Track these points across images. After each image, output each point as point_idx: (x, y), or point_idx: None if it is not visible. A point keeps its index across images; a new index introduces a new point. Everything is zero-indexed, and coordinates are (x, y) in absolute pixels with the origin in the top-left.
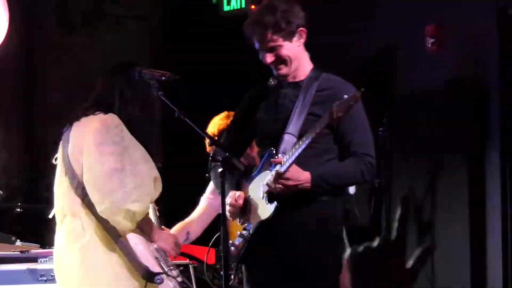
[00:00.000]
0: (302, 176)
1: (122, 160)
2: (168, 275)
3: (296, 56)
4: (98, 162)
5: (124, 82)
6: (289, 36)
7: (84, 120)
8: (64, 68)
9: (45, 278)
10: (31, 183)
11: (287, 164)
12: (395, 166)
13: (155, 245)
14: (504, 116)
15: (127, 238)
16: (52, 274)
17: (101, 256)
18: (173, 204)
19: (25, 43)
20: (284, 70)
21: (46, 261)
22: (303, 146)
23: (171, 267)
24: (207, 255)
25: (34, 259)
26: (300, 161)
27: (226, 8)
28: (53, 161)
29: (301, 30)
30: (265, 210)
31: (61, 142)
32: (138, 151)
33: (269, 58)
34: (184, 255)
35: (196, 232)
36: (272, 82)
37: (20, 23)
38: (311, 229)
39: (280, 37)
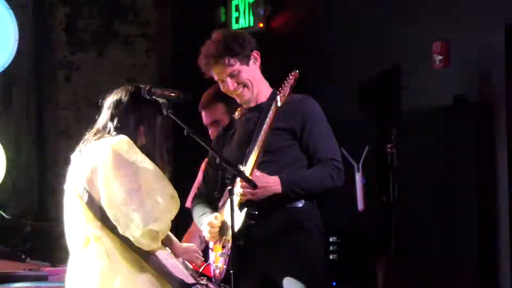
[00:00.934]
0: (270, 179)
1: (137, 180)
2: (201, 285)
3: (255, 79)
4: (114, 185)
5: (130, 105)
6: (245, 60)
7: (94, 143)
8: (73, 86)
9: None
10: (41, 201)
11: (249, 166)
12: (402, 182)
13: (180, 259)
14: (510, 132)
15: (156, 254)
16: None
17: (130, 279)
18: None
19: (34, 62)
20: (247, 95)
21: (56, 279)
22: (259, 139)
23: (197, 276)
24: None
25: (44, 277)
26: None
27: (234, 26)
28: (65, 186)
29: (255, 52)
30: (238, 218)
31: (70, 167)
32: (151, 170)
33: (231, 83)
34: None
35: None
36: (236, 114)
37: (29, 41)
38: (287, 231)
39: (237, 60)
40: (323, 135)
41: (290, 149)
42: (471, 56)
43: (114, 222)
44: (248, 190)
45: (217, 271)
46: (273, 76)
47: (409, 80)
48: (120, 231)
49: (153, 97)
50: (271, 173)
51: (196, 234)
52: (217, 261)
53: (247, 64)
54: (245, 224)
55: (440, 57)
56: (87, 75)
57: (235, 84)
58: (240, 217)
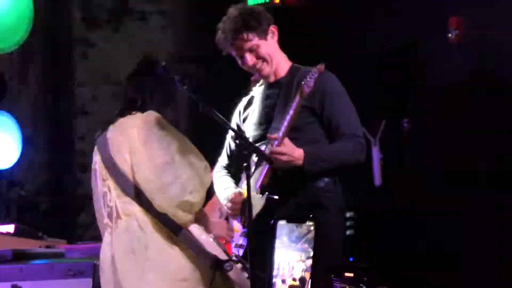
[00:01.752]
0: (296, 152)
1: (170, 153)
2: (235, 261)
3: (274, 53)
4: (148, 159)
5: (152, 81)
6: (263, 34)
7: (122, 120)
8: (90, 63)
9: (72, 273)
10: (57, 179)
11: (280, 134)
12: (418, 155)
13: (211, 235)
14: None
15: (189, 230)
16: (79, 269)
17: (163, 252)
18: None
19: (50, 39)
20: (266, 69)
21: (73, 256)
22: (288, 118)
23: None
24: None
25: (61, 254)
26: None
27: (250, 2)
28: (92, 165)
29: (273, 27)
30: (258, 203)
31: (96, 149)
32: (183, 142)
33: (250, 58)
34: None
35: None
36: (255, 88)
37: (45, 19)
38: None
39: (255, 35)
40: (344, 111)
41: (311, 126)
42: (487, 30)
43: (149, 197)
44: (277, 155)
45: (241, 250)
46: (290, 51)
47: (426, 55)
48: (156, 205)
49: (169, 73)
50: None
51: (216, 206)
52: (238, 239)
53: (265, 39)
54: (265, 209)
55: (456, 32)
56: (103, 52)
57: (254, 59)
58: (260, 201)
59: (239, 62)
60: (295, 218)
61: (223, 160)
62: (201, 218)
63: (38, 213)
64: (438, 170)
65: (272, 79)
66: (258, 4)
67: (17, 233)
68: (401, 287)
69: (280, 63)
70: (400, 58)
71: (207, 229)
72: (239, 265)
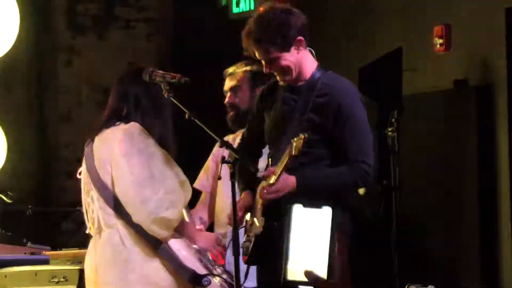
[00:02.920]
0: (290, 182)
1: (150, 167)
2: (214, 275)
3: (297, 63)
4: (127, 173)
5: (138, 89)
6: (286, 48)
7: (106, 132)
8: (74, 70)
9: (56, 280)
10: (42, 186)
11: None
12: (403, 166)
13: (195, 246)
14: (511, 116)
15: (169, 244)
16: (64, 276)
17: (142, 266)
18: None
19: (35, 46)
20: (287, 78)
21: (58, 263)
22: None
23: (214, 266)
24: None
25: (45, 261)
26: (296, 169)
27: (235, 10)
28: (78, 175)
29: (299, 39)
30: (259, 222)
31: (84, 157)
32: (163, 156)
33: (268, 68)
34: None
35: (205, 216)
36: (281, 83)
37: (30, 26)
38: None
39: (276, 50)
40: (356, 134)
41: (321, 143)
42: (472, 39)
43: (126, 209)
44: (271, 197)
45: (244, 249)
46: None
47: (410, 64)
48: (134, 219)
49: (154, 80)
50: (302, 165)
51: (198, 214)
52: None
53: (288, 51)
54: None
55: (441, 41)
56: (88, 60)
57: (271, 69)
58: (260, 224)
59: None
60: (312, 203)
61: (245, 137)
62: (183, 231)
63: (22, 219)
64: (423, 179)
65: (294, 83)
66: (242, 12)
67: (1, 240)
68: None
69: (302, 70)
70: (384, 66)
71: (192, 240)
72: (219, 280)
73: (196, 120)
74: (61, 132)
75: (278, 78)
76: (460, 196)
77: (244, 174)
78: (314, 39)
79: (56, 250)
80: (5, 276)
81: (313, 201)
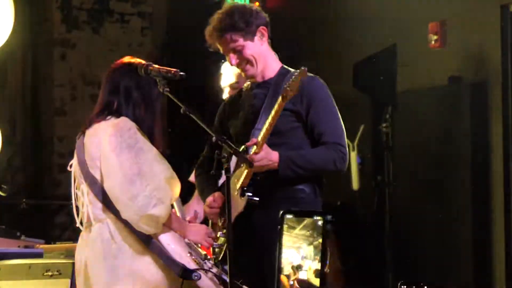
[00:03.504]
0: (272, 156)
1: (138, 163)
2: (204, 270)
3: (260, 55)
4: (116, 168)
5: (129, 82)
6: (249, 36)
7: (96, 126)
8: (69, 64)
9: (50, 273)
10: (36, 179)
11: (259, 139)
12: (398, 162)
13: (186, 240)
14: (506, 112)
15: (158, 238)
16: (58, 269)
17: (132, 261)
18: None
19: (30, 39)
20: (250, 70)
21: (51, 256)
22: (268, 122)
23: (205, 260)
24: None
25: (39, 255)
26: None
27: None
28: (68, 168)
29: (262, 28)
30: (239, 204)
31: (75, 150)
32: (151, 152)
33: (234, 59)
34: None
35: (200, 210)
36: (245, 86)
37: (25, 19)
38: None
39: (240, 37)
40: (328, 119)
41: (296, 131)
42: (467, 36)
43: (115, 205)
44: (257, 163)
45: (217, 249)
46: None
47: (405, 60)
48: (122, 215)
49: (150, 74)
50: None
51: (192, 208)
52: (218, 240)
53: (252, 40)
54: (246, 211)
55: (435, 37)
56: (83, 53)
57: (237, 60)
58: (240, 203)
59: (227, 59)
60: (303, 212)
61: (202, 158)
62: (174, 225)
63: (16, 213)
64: (417, 175)
65: (259, 79)
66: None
67: None
68: None
69: (268, 64)
70: (379, 62)
71: (182, 234)
72: (209, 274)
73: (191, 114)
74: (55, 126)
75: (243, 72)
76: (453, 191)
77: (210, 184)
78: (308, 35)
79: (49, 243)
80: None
81: (304, 211)
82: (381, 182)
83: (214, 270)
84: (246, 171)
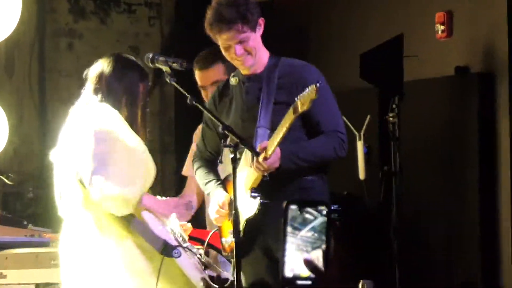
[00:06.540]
0: (278, 152)
1: (115, 147)
2: (186, 249)
3: (259, 47)
4: (90, 151)
5: (112, 73)
6: (254, 27)
7: (78, 115)
8: (76, 54)
9: (57, 262)
10: (43, 168)
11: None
12: (404, 152)
13: (168, 224)
14: None
15: (142, 215)
16: None
17: (118, 242)
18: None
19: (37, 29)
20: (250, 61)
21: (58, 245)
22: (277, 135)
23: (188, 245)
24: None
25: (45, 243)
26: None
27: None
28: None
29: (261, 20)
30: (250, 206)
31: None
32: (129, 138)
33: (240, 50)
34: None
35: (195, 200)
36: (233, 80)
37: (32, 9)
38: None
39: (248, 28)
40: (326, 106)
41: (296, 124)
42: (474, 26)
43: (87, 188)
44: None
45: (226, 245)
46: (273, 46)
47: (412, 50)
48: (93, 197)
49: (156, 65)
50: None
51: (186, 199)
52: (227, 235)
53: (255, 31)
54: (257, 213)
55: (442, 27)
56: (90, 43)
57: (242, 50)
58: (252, 204)
59: (224, 51)
60: (307, 202)
61: (199, 147)
62: (150, 206)
63: (23, 202)
64: (423, 165)
65: (251, 71)
66: None
67: (2, 221)
68: (385, 281)
69: (261, 57)
70: (385, 53)
71: (160, 212)
72: (194, 256)
73: (197, 104)
74: (62, 116)
75: (239, 64)
76: (460, 182)
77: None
78: (317, 22)
79: (56, 232)
80: (6, 258)
81: (309, 200)
82: (388, 172)
83: (194, 249)
84: (255, 173)
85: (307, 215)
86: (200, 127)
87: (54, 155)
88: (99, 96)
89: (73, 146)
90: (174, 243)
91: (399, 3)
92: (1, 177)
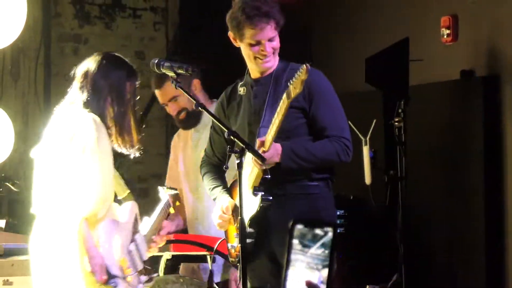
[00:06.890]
0: (278, 147)
1: (79, 164)
2: (125, 280)
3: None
4: (52, 161)
5: (101, 77)
6: (279, 29)
7: (61, 110)
8: (81, 59)
9: None
10: None
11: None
12: (410, 156)
13: (132, 244)
14: None
15: (97, 236)
16: None
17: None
18: None
19: (42, 35)
20: (272, 61)
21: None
22: (275, 123)
23: (141, 269)
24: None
25: None
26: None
27: None
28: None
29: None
30: (252, 204)
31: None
32: (98, 157)
33: (269, 48)
34: (199, 245)
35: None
36: (241, 90)
37: (38, 14)
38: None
39: (278, 28)
40: (331, 111)
41: (300, 129)
42: (479, 30)
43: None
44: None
45: (233, 251)
46: (283, 50)
47: (417, 54)
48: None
49: (162, 70)
50: None
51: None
52: (233, 240)
53: (278, 33)
54: (260, 210)
55: (448, 31)
56: (95, 48)
57: (271, 48)
58: (254, 202)
59: (247, 47)
60: (314, 222)
61: (207, 152)
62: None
63: (29, 208)
64: (429, 170)
65: (263, 73)
66: None
67: (8, 228)
68: (391, 285)
69: (276, 59)
70: (391, 56)
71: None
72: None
73: (203, 109)
74: None
75: (259, 64)
76: (466, 186)
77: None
78: (322, 26)
79: None
80: (12, 265)
81: (314, 221)
82: (394, 176)
83: (144, 284)
84: (256, 170)
85: (314, 235)
86: (175, 138)
87: (35, 153)
88: (84, 94)
89: (46, 150)
90: (116, 271)
91: (405, 7)
92: (7, 183)
